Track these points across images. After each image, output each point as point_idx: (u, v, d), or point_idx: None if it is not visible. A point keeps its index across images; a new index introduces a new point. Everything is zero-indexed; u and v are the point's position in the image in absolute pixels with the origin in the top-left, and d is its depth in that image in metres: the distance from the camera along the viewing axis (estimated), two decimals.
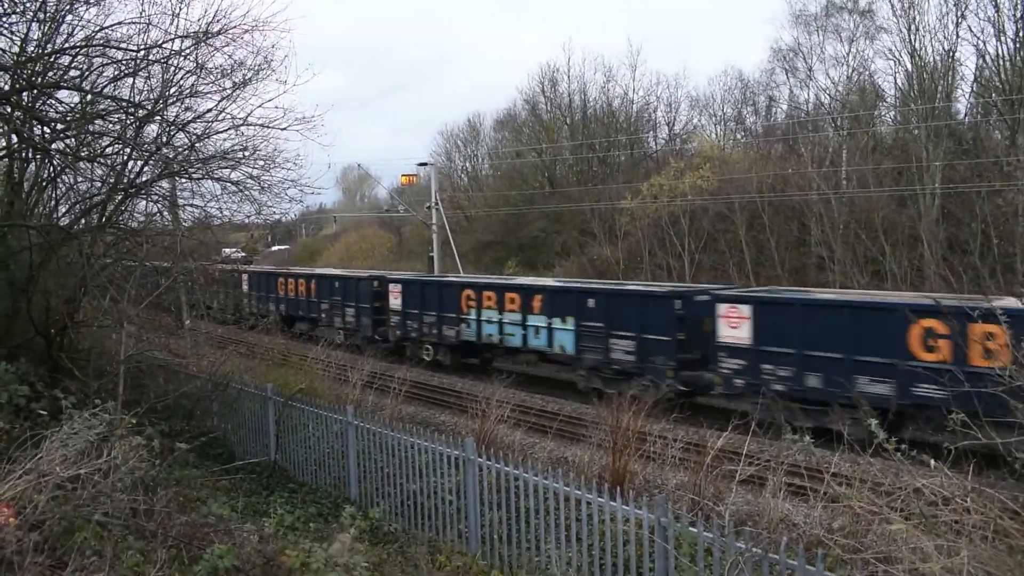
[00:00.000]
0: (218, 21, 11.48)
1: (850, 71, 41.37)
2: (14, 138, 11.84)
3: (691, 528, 6.87)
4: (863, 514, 6.37)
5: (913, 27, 36.14)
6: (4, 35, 10.83)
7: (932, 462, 6.05)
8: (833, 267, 34.25)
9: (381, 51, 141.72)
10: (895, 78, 39.00)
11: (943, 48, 35.76)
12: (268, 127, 12.63)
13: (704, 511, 8.61)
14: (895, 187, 33.87)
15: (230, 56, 12.03)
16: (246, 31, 11.70)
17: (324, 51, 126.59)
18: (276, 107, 12.75)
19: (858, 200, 34.36)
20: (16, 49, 10.94)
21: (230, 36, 11.67)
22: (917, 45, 36.17)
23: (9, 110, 10.59)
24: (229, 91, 12.36)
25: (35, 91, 10.96)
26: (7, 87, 10.55)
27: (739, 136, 49.96)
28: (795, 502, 10.43)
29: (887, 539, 6.20)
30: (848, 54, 40.86)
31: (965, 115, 37.82)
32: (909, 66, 37.06)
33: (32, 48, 11.03)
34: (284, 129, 12.62)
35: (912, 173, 33.71)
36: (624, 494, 7.63)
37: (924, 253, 32.10)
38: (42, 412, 7.91)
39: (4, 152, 12.67)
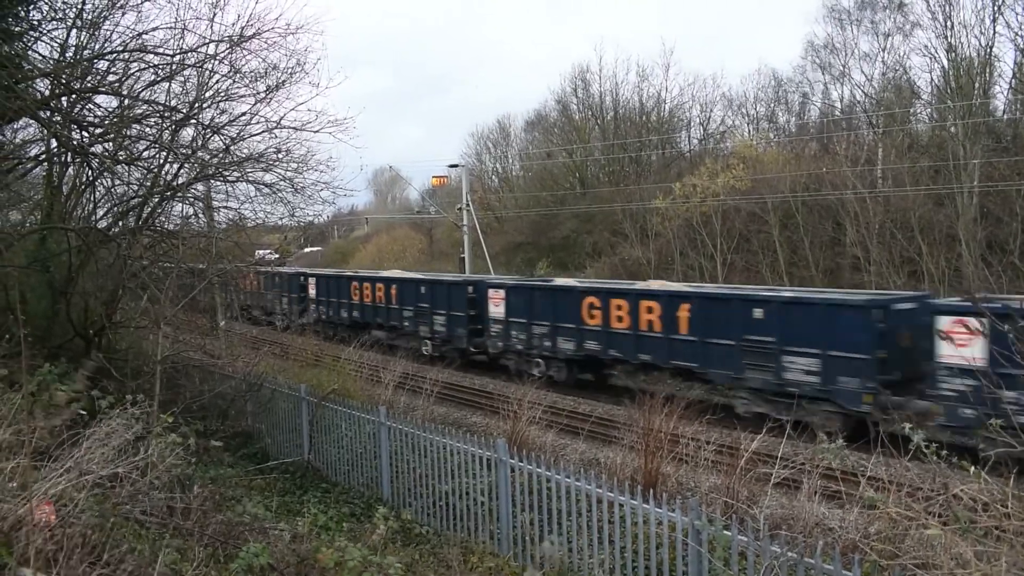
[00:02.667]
0: (252, 25, 11.62)
1: (885, 68, 40.91)
2: (54, 142, 12.04)
3: (725, 531, 6.82)
4: (900, 519, 6.27)
5: (949, 22, 35.65)
6: (45, 41, 11.06)
7: (972, 468, 5.94)
8: (869, 267, 33.82)
9: (418, 53, 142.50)
10: (931, 75, 38.50)
11: (980, 44, 35.24)
12: (301, 130, 12.79)
13: (738, 514, 8.54)
14: (932, 186, 33.38)
15: (264, 60, 12.17)
16: (280, 35, 11.81)
17: (361, 52, 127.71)
18: (309, 110, 12.90)
19: (894, 199, 33.91)
20: (56, 55, 11.15)
21: (264, 40, 11.80)
22: (953, 41, 35.68)
23: (49, 115, 10.76)
24: (263, 94, 12.50)
25: (74, 96, 11.13)
26: (47, 92, 10.74)
27: (772, 135, 49.52)
28: (830, 506, 10.31)
29: (925, 545, 6.11)
30: (883, 50, 40.43)
31: (1004, 112, 37.21)
32: (945, 62, 36.56)
33: (71, 54, 11.22)
34: (317, 132, 12.77)
35: (949, 171, 33.18)
36: (657, 497, 7.59)
37: (962, 253, 31.59)
38: (81, 412, 8.01)
39: (44, 156, 12.89)
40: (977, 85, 35.23)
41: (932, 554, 5.78)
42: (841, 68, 42.77)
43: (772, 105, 50.28)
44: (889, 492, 7.15)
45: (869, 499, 6.27)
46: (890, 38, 39.97)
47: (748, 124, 51.62)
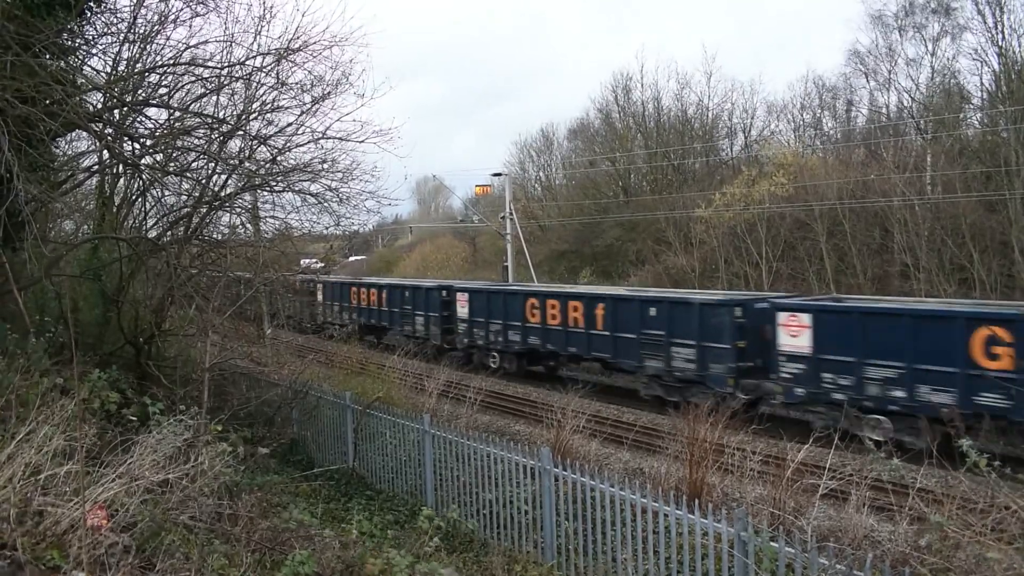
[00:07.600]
0: (298, 38, 11.72)
1: (933, 72, 40.19)
2: (106, 154, 12.29)
3: (772, 543, 6.72)
4: (952, 533, 6.14)
5: (1000, 25, 34.94)
6: (98, 56, 11.30)
7: None
8: (918, 275, 33.19)
9: (468, 67, 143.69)
10: (981, 78, 37.73)
11: None
12: (346, 140, 12.86)
13: (785, 526, 8.42)
14: (983, 192, 32.69)
15: (310, 72, 12.28)
16: (326, 47, 11.93)
17: (420, 65, 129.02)
18: (354, 120, 12.98)
19: (944, 205, 33.27)
20: (108, 69, 11.39)
21: (310, 52, 11.90)
22: (1004, 45, 34.94)
23: (101, 127, 10.99)
24: (309, 105, 12.61)
25: (126, 109, 11.35)
26: (100, 105, 10.97)
27: (818, 142, 48.83)
28: (879, 518, 10.12)
29: (977, 558, 5.97)
30: (931, 55, 39.71)
31: None
32: (996, 66, 35.81)
33: (123, 67, 11.45)
34: (362, 142, 12.84)
35: (1001, 177, 32.48)
36: (702, 507, 7.51)
37: (1015, 260, 30.88)
38: (132, 418, 8.17)
39: (96, 168, 13.20)
40: None
41: (985, 568, 5.65)
42: (887, 74, 42.13)
43: (818, 112, 49.62)
44: (942, 505, 7.02)
45: (923, 515, 6.15)
46: (938, 42, 39.30)
47: (794, 131, 51.00)
